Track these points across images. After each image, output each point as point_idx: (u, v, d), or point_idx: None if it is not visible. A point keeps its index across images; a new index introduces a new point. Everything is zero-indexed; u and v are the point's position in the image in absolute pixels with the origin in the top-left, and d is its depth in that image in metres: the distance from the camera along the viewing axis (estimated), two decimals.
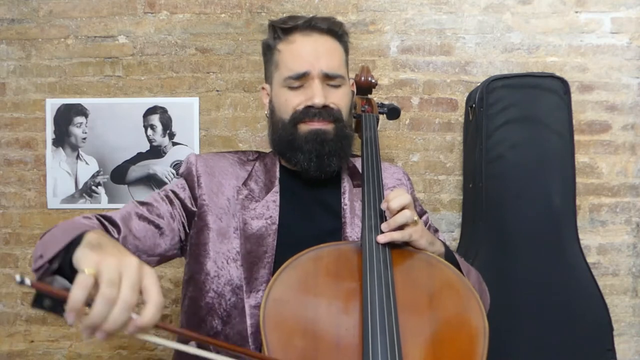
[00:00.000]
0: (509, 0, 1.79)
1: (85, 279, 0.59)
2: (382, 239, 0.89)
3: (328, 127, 1.04)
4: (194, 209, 1.05)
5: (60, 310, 0.59)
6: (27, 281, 0.58)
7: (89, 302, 0.58)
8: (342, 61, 1.10)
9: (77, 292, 0.58)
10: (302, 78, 1.05)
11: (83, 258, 0.66)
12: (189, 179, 1.07)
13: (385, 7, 1.80)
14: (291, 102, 1.06)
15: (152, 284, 0.62)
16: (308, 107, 1.04)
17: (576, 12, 1.78)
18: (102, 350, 1.82)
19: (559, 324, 1.50)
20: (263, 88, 1.17)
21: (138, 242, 0.98)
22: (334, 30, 1.09)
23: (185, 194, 1.06)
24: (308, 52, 1.05)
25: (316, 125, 1.04)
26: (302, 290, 0.83)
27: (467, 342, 0.80)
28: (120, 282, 0.59)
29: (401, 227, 0.91)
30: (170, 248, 1.04)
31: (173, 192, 1.06)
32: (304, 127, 1.05)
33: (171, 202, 1.04)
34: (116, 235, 0.94)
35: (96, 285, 0.59)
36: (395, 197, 0.90)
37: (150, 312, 0.60)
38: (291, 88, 1.06)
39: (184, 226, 1.05)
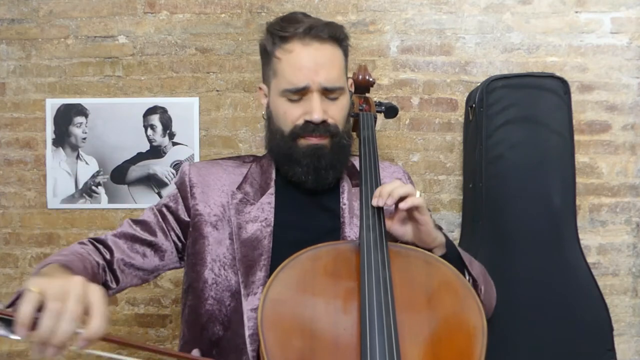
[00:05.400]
0: (509, 0, 1.79)
1: (30, 294, 0.62)
2: (387, 187, 0.92)
3: (324, 141, 1.05)
4: (187, 219, 1.07)
5: (9, 331, 0.62)
6: None
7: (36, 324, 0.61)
8: (341, 70, 1.08)
9: (24, 307, 0.61)
10: (301, 92, 1.03)
11: (29, 283, 0.69)
12: (182, 189, 1.09)
13: (385, 7, 1.80)
14: (290, 115, 1.05)
15: (97, 298, 0.65)
16: (307, 123, 1.03)
17: (576, 12, 1.78)
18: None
19: (559, 323, 1.49)
20: (260, 88, 1.15)
21: (132, 262, 1.04)
22: (335, 36, 1.05)
23: (178, 206, 1.08)
24: (307, 65, 1.01)
25: (314, 140, 1.04)
26: (300, 290, 0.83)
27: (465, 341, 0.80)
28: (65, 298, 0.62)
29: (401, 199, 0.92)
30: (167, 263, 1.09)
31: (166, 205, 1.09)
32: (303, 142, 1.04)
33: (164, 218, 1.08)
34: (108, 257, 1.00)
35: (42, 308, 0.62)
36: (385, 186, 0.93)
37: (96, 324, 0.63)
38: (290, 100, 1.04)
39: (179, 238, 1.08)
